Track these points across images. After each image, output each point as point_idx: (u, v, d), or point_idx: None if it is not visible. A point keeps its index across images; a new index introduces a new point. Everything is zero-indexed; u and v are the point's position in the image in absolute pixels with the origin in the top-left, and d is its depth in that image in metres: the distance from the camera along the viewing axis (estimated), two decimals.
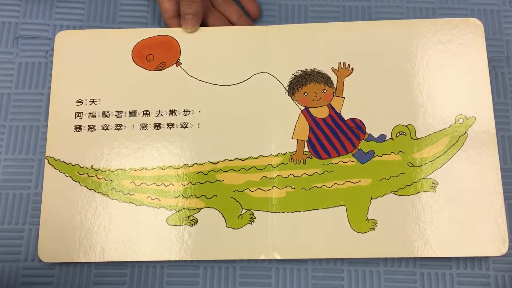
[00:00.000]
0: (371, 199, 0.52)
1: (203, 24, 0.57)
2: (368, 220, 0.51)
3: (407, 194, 0.52)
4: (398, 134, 0.53)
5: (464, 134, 0.53)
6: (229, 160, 0.53)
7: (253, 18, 0.59)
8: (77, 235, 0.51)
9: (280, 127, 0.54)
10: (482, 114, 0.54)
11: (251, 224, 0.52)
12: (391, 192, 0.52)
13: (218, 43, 0.56)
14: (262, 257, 0.51)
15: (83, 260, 0.51)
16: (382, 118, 0.54)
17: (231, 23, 0.58)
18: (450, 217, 0.51)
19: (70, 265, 0.53)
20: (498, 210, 0.51)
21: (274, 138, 0.53)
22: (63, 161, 0.53)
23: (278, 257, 0.51)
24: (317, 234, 0.51)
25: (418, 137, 0.53)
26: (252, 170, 0.53)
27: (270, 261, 0.53)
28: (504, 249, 0.51)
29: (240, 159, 0.53)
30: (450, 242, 0.51)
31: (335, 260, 0.53)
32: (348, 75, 0.55)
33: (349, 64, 0.55)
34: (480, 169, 0.52)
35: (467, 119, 0.54)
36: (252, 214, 0.52)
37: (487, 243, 0.51)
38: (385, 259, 0.53)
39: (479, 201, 0.52)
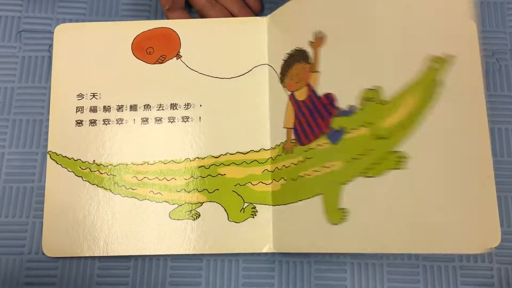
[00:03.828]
0: (342, 184, 0.45)
1: (205, 17, 0.57)
2: (340, 209, 0.45)
3: (376, 174, 0.43)
4: (365, 102, 0.44)
5: (440, 82, 0.41)
6: (231, 154, 0.53)
7: (255, 12, 0.59)
8: (81, 230, 0.52)
9: (281, 119, 0.53)
10: (464, 53, 0.40)
11: (253, 217, 0.52)
12: (359, 175, 0.44)
13: (218, 35, 0.56)
14: (265, 250, 0.51)
15: (87, 255, 0.51)
16: (350, 85, 0.45)
17: (233, 16, 0.58)
18: (426, 201, 0.41)
19: (74, 259, 0.53)
20: (488, 196, 0.39)
21: (275, 131, 0.53)
22: (65, 156, 0.53)
23: (280, 250, 0.51)
24: (313, 226, 0.48)
25: (386, 100, 0.43)
26: (254, 163, 0.53)
27: (273, 254, 0.53)
28: (496, 242, 0.41)
29: (241, 153, 0.53)
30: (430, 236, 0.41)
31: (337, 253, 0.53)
32: (321, 45, 0.49)
33: (322, 32, 0.49)
34: (463, 135, 0.40)
35: (444, 60, 0.41)
36: (254, 207, 0.52)
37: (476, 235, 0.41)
38: None
39: (464, 178, 0.40)
